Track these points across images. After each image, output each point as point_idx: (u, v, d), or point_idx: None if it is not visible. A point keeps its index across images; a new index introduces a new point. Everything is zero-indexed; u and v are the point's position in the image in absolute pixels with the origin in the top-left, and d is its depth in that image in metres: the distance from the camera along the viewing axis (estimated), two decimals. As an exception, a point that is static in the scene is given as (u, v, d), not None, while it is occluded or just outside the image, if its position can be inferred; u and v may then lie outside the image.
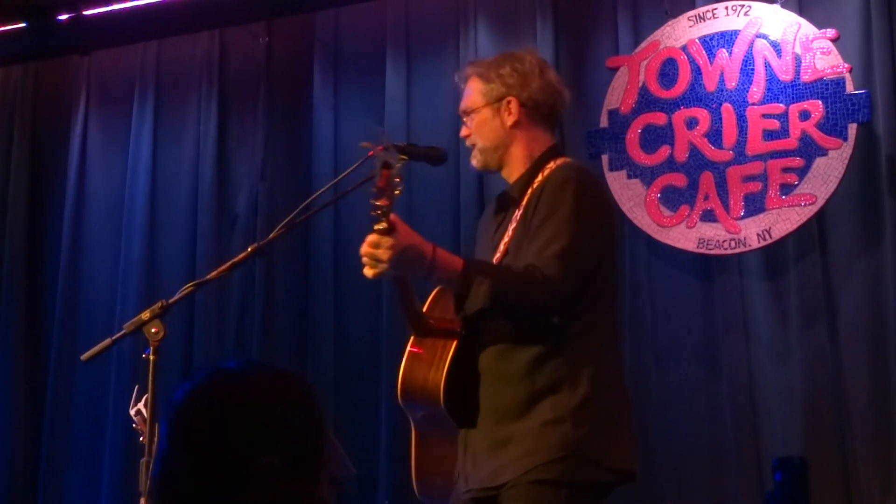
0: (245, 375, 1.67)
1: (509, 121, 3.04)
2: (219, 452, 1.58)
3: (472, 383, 2.92)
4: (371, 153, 2.71)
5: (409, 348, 2.98)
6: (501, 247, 2.99)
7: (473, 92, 3.10)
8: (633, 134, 5.00)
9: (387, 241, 2.68)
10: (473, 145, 3.11)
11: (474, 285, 2.77)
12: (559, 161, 3.03)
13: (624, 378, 3.08)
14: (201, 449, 1.59)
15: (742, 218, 4.75)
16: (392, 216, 2.69)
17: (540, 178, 2.98)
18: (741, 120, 4.83)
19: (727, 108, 4.85)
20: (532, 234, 2.89)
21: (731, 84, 4.87)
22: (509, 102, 3.04)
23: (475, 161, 3.13)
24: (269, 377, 1.68)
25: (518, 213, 2.98)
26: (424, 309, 3.02)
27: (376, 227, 2.68)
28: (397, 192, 2.67)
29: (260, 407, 1.61)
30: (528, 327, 2.90)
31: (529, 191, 2.98)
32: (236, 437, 1.58)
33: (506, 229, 3.01)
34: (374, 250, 2.70)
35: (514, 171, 3.07)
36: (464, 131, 3.13)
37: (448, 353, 2.90)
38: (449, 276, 2.81)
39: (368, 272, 2.75)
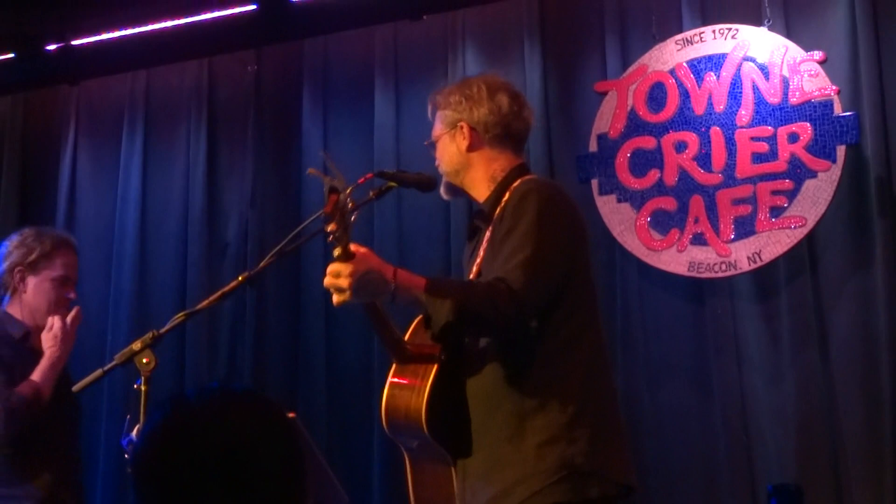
0: (201, 417, 1.55)
1: (463, 145, 3.10)
2: (165, 500, 1.51)
3: (460, 409, 2.91)
4: (326, 186, 2.71)
5: (389, 377, 2.96)
6: (475, 268, 3.01)
7: (436, 121, 3.20)
8: (623, 158, 5.01)
9: (346, 268, 2.70)
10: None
11: (437, 301, 2.76)
12: (525, 178, 3.06)
13: (614, 390, 3.06)
14: (150, 497, 1.53)
15: (732, 241, 4.76)
16: (351, 244, 2.72)
17: (507, 196, 3.01)
18: (730, 143, 4.84)
19: (716, 132, 4.87)
20: (497, 248, 2.90)
21: (720, 107, 4.88)
22: (462, 127, 3.11)
23: (441, 187, 3.20)
24: (230, 416, 1.56)
25: (488, 234, 3.00)
26: (406, 337, 3.02)
27: (334, 254, 2.71)
28: (353, 216, 2.70)
29: (208, 453, 1.51)
30: (509, 345, 2.88)
31: (498, 210, 3.00)
32: (180, 486, 1.50)
33: (478, 251, 3.03)
34: (335, 280, 2.72)
35: (479, 193, 3.11)
36: (437, 160, 3.20)
37: (428, 378, 2.88)
38: (414, 296, 2.80)
39: (334, 300, 2.76)
